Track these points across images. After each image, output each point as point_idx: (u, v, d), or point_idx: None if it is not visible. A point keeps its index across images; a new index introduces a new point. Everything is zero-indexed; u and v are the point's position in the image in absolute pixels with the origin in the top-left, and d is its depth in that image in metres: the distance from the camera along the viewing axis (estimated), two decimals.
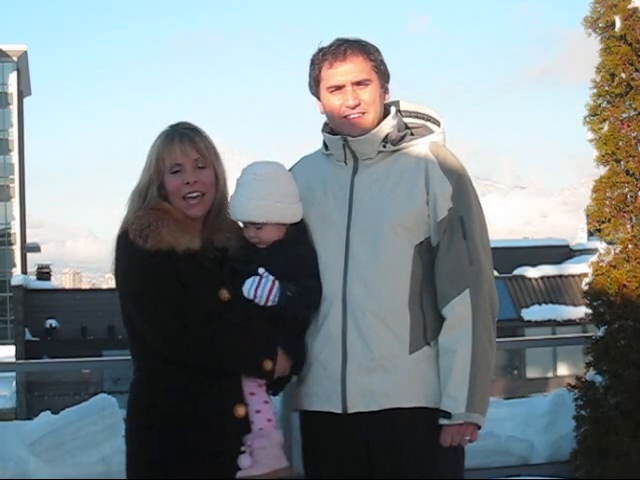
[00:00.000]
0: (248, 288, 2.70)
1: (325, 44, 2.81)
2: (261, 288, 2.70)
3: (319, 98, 2.86)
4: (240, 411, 2.69)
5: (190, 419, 2.64)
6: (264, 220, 2.75)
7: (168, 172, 2.71)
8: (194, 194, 2.71)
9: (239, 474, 2.66)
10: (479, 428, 2.70)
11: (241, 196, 2.78)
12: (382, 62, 2.82)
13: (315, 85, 2.85)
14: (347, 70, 2.76)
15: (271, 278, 2.71)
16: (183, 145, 2.70)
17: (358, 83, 2.76)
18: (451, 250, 2.71)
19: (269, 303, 2.69)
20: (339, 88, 2.77)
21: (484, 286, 2.71)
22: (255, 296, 2.69)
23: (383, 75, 2.83)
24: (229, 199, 2.83)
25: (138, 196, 2.74)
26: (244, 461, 2.67)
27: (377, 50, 2.82)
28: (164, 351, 2.64)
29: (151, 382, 2.69)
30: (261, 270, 2.72)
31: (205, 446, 2.64)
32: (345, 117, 2.79)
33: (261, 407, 2.73)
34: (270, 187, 2.76)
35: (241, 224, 2.85)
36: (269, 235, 2.78)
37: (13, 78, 58.43)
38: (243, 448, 2.68)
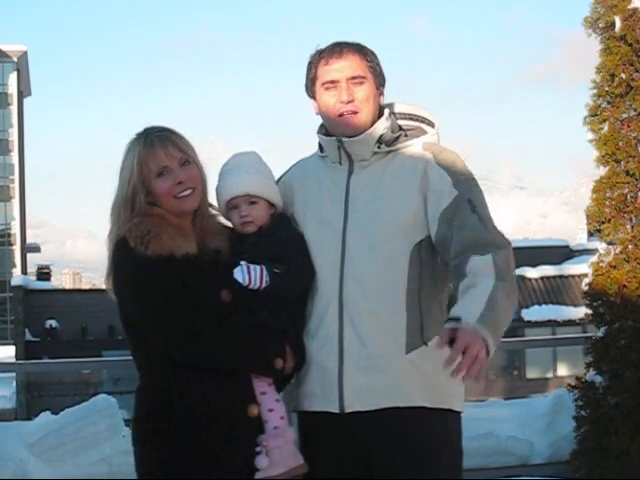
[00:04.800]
0: (241, 275, 2.71)
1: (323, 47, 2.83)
2: (252, 271, 2.71)
3: (315, 98, 2.87)
4: (253, 411, 2.67)
5: (204, 421, 2.61)
6: (260, 192, 2.80)
7: (155, 177, 2.69)
8: (187, 191, 2.71)
9: (257, 475, 2.64)
10: (488, 353, 2.32)
11: (235, 174, 2.82)
12: (378, 65, 2.83)
13: (311, 84, 2.85)
14: (342, 66, 2.77)
15: (257, 264, 2.73)
16: (165, 147, 2.70)
17: (353, 78, 2.76)
18: (464, 226, 2.65)
19: (263, 284, 2.70)
20: (334, 83, 2.78)
21: (506, 248, 2.63)
22: (250, 280, 2.70)
23: (378, 76, 2.83)
24: (216, 188, 2.85)
25: (124, 208, 2.68)
26: (261, 462, 2.65)
27: (373, 54, 2.83)
28: (176, 357, 2.62)
29: (161, 386, 2.65)
30: (242, 262, 2.73)
31: (220, 448, 2.61)
32: (340, 115, 2.79)
33: (273, 405, 2.72)
34: (261, 167, 2.87)
35: (227, 222, 2.85)
36: (260, 214, 2.80)
37: (13, 78, 58.36)
38: (259, 448, 2.66)
